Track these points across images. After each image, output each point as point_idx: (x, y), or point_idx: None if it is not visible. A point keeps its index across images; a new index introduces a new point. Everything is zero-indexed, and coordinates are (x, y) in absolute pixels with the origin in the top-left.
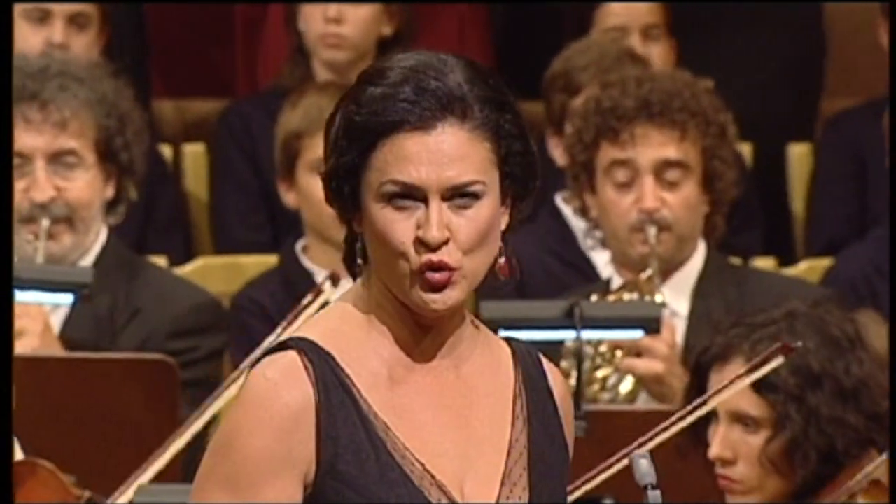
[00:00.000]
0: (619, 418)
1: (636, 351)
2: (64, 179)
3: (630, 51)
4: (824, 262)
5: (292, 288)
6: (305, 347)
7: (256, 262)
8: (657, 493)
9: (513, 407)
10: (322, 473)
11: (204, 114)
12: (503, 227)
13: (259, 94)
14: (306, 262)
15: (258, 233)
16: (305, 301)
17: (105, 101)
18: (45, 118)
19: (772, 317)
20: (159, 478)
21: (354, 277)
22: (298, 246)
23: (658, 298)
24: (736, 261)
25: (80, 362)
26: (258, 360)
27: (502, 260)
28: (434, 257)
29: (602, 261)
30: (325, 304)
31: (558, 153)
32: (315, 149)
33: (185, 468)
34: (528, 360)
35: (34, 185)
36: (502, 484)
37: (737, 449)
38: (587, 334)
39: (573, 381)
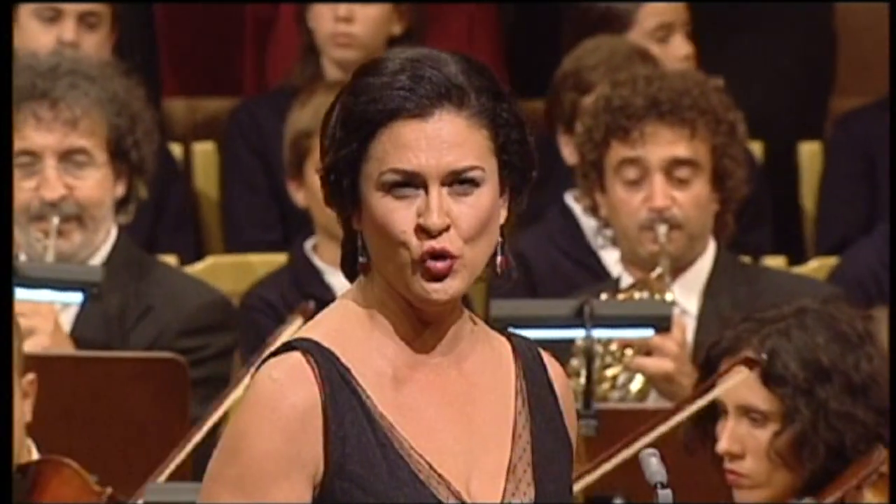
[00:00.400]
0: (629, 417)
1: (646, 349)
2: (74, 178)
3: (640, 49)
4: (834, 261)
5: (302, 287)
6: (310, 348)
7: (266, 260)
8: (668, 491)
9: (515, 402)
10: (331, 474)
11: (214, 112)
12: (502, 220)
13: (269, 93)
14: (316, 261)
15: (268, 231)
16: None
17: (116, 99)
18: (56, 116)
19: (782, 312)
20: (169, 476)
21: (352, 282)
22: (308, 245)
23: (668, 297)
24: (746, 259)
25: (90, 361)
26: (263, 361)
27: (500, 256)
28: (435, 244)
29: (612, 259)
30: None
31: (568, 152)
32: None
33: (195, 467)
34: (527, 354)
35: (45, 184)
36: (507, 479)
37: (745, 443)
38: (597, 333)
39: (583, 380)
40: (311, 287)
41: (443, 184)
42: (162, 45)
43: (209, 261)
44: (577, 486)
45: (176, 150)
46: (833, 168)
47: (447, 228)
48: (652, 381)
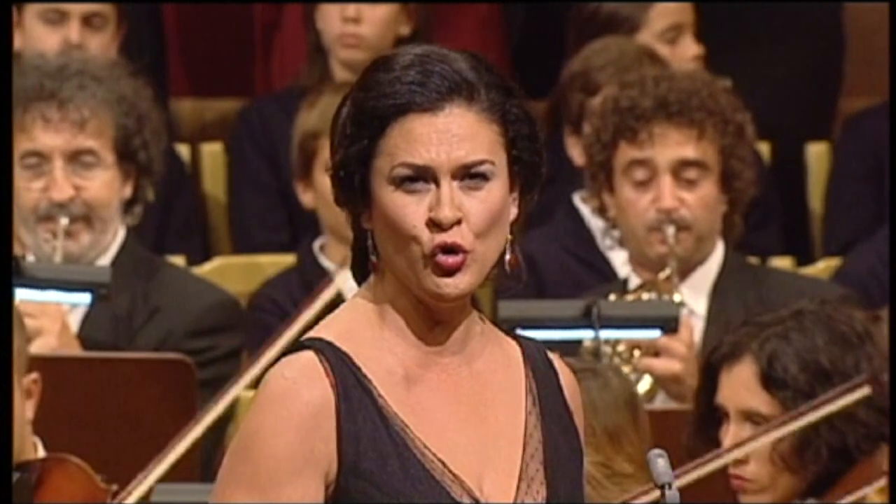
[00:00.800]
0: None
1: (654, 351)
2: (82, 179)
3: (648, 50)
4: (842, 262)
5: (310, 287)
6: (322, 347)
7: (274, 261)
8: (675, 492)
9: (525, 402)
10: (344, 472)
11: (222, 113)
12: (512, 217)
13: (277, 94)
14: (324, 261)
15: (276, 232)
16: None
17: (124, 100)
18: (64, 117)
19: (780, 316)
20: (176, 476)
21: (361, 283)
22: (316, 245)
23: (676, 298)
24: (754, 260)
25: (98, 362)
26: (275, 360)
27: (508, 255)
28: (447, 238)
29: (620, 260)
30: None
31: (576, 153)
32: None
33: (203, 467)
34: (536, 355)
35: (52, 185)
36: (520, 479)
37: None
38: (605, 334)
39: None
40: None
41: (454, 178)
42: (170, 46)
43: (217, 262)
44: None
45: (183, 151)
46: (841, 169)
47: (458, 222)
48: (660, 382)
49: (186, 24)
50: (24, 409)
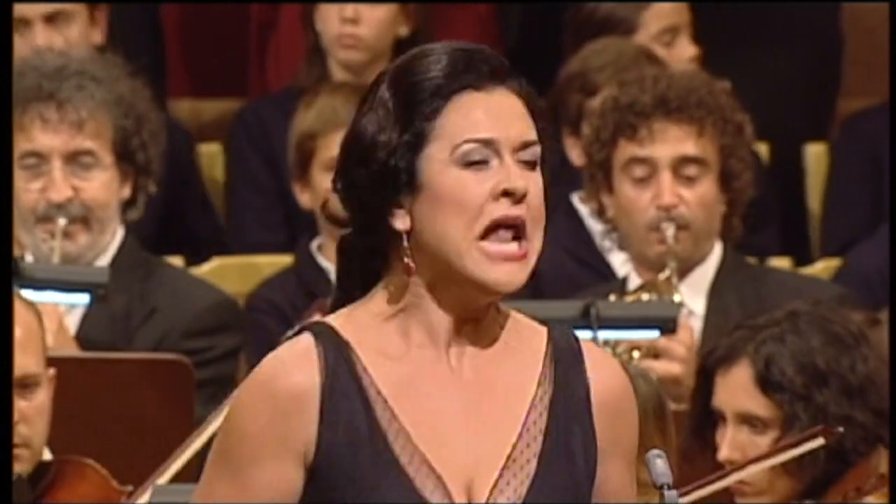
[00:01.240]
0: None
1: (653, 352)
2: (81, 179)
3: (647, 51)
4: (840, 262)
5: (308, 287)
6: (323, 332)
7: (272, 261)
8: (674, 492)
9: (535, 392)
10: (319, 458)
11: (220, 114)
12: None
13: (275, 94)
14: (322, 262)
15: (274, 232)
16: None
17: (122, 101)
18: (62, 118)
19: (774, 318)
20: (177, 478)
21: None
22: (314, 245)
23: (675, 299)
24: (752, 260)
25: (95, 362)
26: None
27: None
28: (513, 211)
29: (619, 260)
30: None
31: (575, 153)
32: (330, 149)
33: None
34: (565, 347)
35: (51, 185)
36: (504, 469)
37: (746, 450)
38: (604, 334)
39: None
40: (317, 287)
41: (514, 156)
42: (168, 47)
43: (215, 262)
44: None
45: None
46: (839, 169)
47: (525, 197)
48: (659, 383)
49: (184, 25)
50: (50, 403)
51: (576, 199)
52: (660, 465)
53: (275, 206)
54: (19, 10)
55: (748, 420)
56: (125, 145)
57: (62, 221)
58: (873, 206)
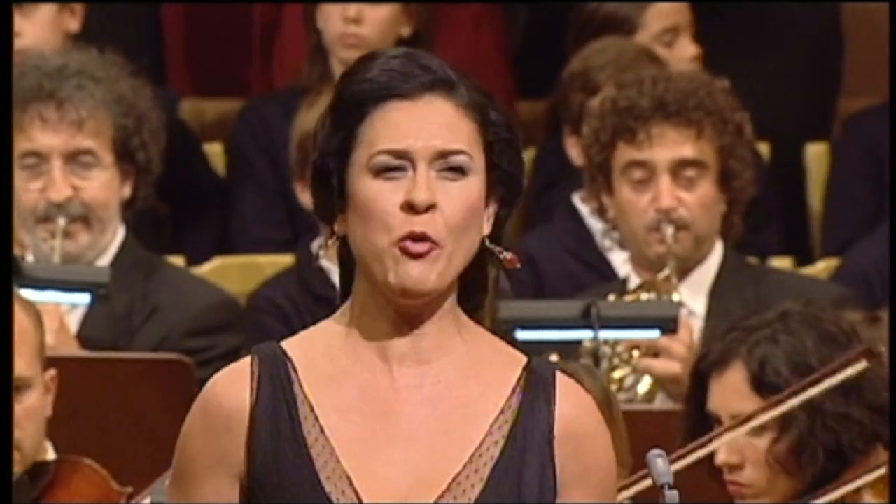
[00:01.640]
0: (636, 419)
1: (654, 351)
2: (81, 179)
3: (648, 50)
4: (842, 259)
5: (309, 287)
6: (266, 353)
7: (274, 261)
8: (674, 492)
9: (494, 421)
10: (249, 476)
11: (222, 113)
12: (486, 230)
13: (277, 94)
14: (323, 261)
15: (276, 232)
16: None
17: (122, 100)
18: (62, 117)
19: (766, 319)
20: None
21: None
22: (315, 245)
23: (675, 298)
24: (753, 260)
25: (97, 362)
26: None
27: (508, 254)
28: (417, 228)
29: (619, 260)
30: None
31: (575, 153)
32: None
33: None
34: (539, 379)
35: (51, 185)
36: (447, 490)
37: (743, 453)
38: (604, 334)
39: None
40: (318, 287)
41: (431, 165)
42: (170, 46)
43: (216, 261)
44: None
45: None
46: (840, 169)
47: (432, 208)
48: (660, 382)
49: (186, 25)
50: (46, 405)
51: (577, 199)
52: (660, 464)
53: (277, 205)
54: None
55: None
56: (125, 145)
57: (62, 221)
58: (874, 206)
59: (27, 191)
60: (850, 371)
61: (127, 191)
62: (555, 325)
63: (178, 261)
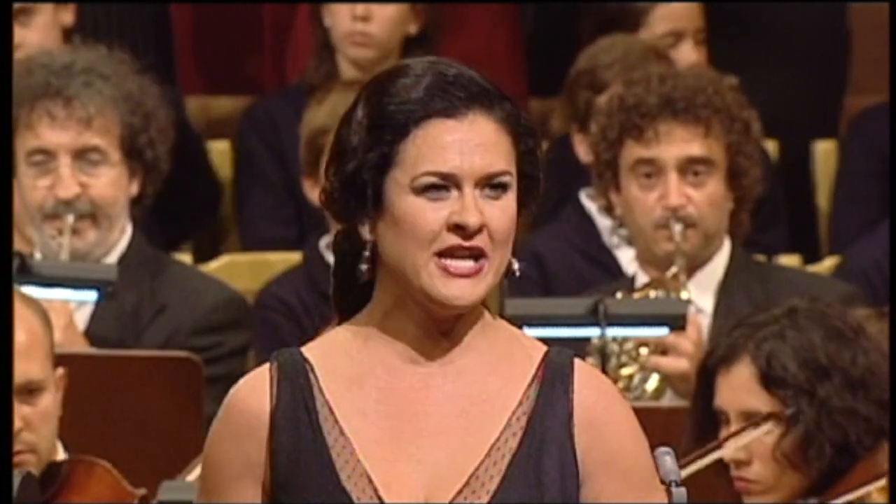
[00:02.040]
0: (644, 416)
1: (662, 348)
2: (88, 176)
3: (655, 48)
4: (843, 257)
5: (317, 284)
6: (286, 358)
7: (282, 258)
8: (682, 490)
9: (512, 413)
10: (273, 483)
11: (230, 111)
12: None
13: (285, 91)
14: (331, 259)
15: (284, 229)
16: None
17: (130, 98)
18: (70, 115)
19: (773, 315)
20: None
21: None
22: (322, 242)
23: (684, 295)
24: (761, 258)
25: (104, 359)
26: None
27: (516, 264)
28: (471, 242)
29: (627, 258)
30: None
31: (583, 150)
32: None
33: None
34: (558, 368)
35: (59, 182)
36: (466, 485)
37: (751, 448)
38: (612, 331)
39: None
40: (326, 285)
41: (476, 186)
42: (179, 44)
43: (225, 259)
44: None
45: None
46: (847, 167)
47: (481, 229)
48: (668, 380)
49: (194, 23)
50: (57, 405)
51: (584, 197)
52: (668, 462)
53: (285, 202)
54: None
55: (752, 418)
56: (133, 142)
57: (70, 218)
58: (882, 203)
59: (35, 188)
60: (756, 433)
61: (135, 188)
62: (562, 322)
63: (186, 258)
